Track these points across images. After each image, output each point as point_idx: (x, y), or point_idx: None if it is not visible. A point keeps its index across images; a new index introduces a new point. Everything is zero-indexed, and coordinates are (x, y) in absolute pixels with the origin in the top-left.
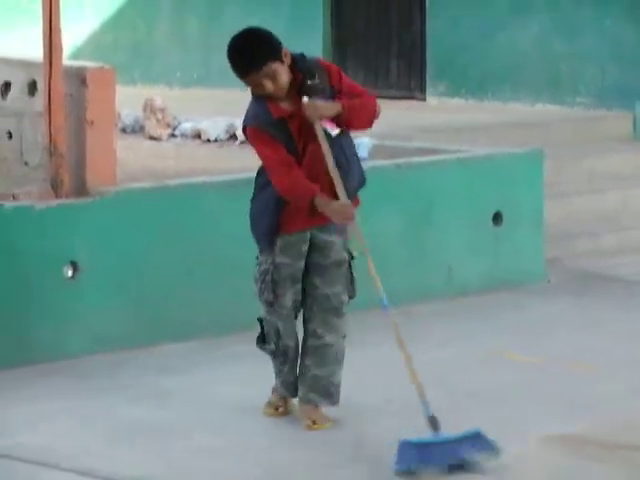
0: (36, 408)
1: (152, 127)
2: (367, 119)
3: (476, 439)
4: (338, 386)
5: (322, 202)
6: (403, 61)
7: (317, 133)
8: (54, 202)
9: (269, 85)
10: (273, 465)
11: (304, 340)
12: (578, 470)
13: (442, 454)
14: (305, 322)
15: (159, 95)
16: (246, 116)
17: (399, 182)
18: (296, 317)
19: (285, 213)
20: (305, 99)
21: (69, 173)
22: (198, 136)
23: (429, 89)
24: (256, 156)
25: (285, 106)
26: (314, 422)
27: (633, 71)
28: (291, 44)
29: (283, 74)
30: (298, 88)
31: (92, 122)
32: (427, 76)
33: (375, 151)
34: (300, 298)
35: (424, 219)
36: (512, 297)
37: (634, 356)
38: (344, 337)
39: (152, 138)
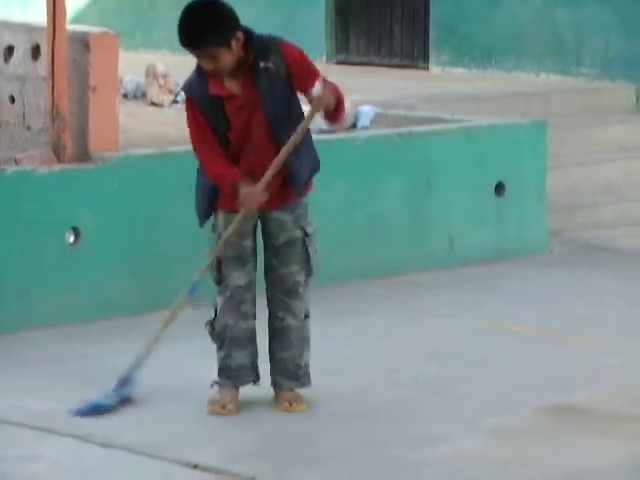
0: (37, 373)
1: (154, 93)
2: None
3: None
4: (306, 368)
5: (238, 188)
6: (406, 30)
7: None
8: (56, 167)
9: (208, 65)
10: (273, 434)
11: (268, 323)
12: (579, 442)
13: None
14: (267, 304)
15: (161, 61)
16: (185, 81)
17: (401, 151)
18: (248, 300)
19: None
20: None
21: (71, 138)
22: None
23: (432, 58)
24: None
25: (229, 85)
26: (290, 404)
27: (637, 42)
28: (293, 12)
29: (226, 58)
30: (250, 68)
31: (95, 87)
32: (430, 45)
33: (377, 120)
34: (253, 279)
35: (426, 189)
36: (514, 268)
37: (635, 327)
38: (307, 317)
39: (154, 104)
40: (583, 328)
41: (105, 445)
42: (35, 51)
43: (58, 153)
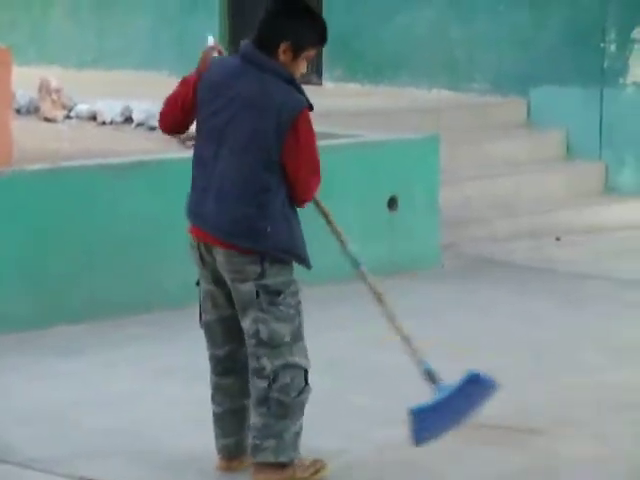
0: None
1: (47, 108)
2: None
3: (473, 384)
4: None
5: None
6: None
7: None
8: None
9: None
10: (168, 446)
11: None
12: (472, 453)
13: (451, 414)
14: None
15: (55, 76)
16: (304, 97)
17: None
18: None
19: None
20: None
21: None
22: (94, 118)
23: (325, 74)
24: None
25: None
26: None
27: (528, 58)
28: (186, 25)
29: None
30: None
31: None
32: (323, 60)
33: None
34: None
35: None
36: (406, 282)
37: (523, 340)
38: None
39: (47, 119)
40: (473, 341)
41: (1, 460)
42: None
43: None
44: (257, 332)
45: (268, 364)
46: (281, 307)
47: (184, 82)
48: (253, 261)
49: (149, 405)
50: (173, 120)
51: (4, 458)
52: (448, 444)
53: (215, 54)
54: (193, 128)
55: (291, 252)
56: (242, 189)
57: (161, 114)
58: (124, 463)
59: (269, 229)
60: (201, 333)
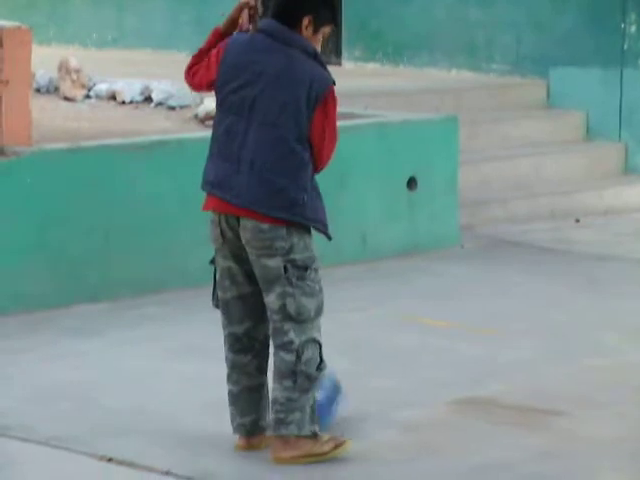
0: None
1: (67, 88)
2: None
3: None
4: None
5: None
6: None
7: None
8: None
9: None
10: (186, 426)
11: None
12: (490, 435)
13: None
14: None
15: (74, 55)
16: (329, 74)
17: None
18: None
19: None
20: None
21: None
22: (113, 97)
23: (345, 54)
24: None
25: None
26: None
27: (547, 39)
28: (207, 8)
29: None
30: None
31: (7, 82)
32: (343, 40)
33: None
34: None
35: (339, 184)
36: (426, 262)
37: (542, 321)
38: None
39: (67, 99)
40: (493, 322)
41: (22, 439)
42: None
43: None
44: (284, 306)
45: (295, 338)
46: (308, 282)
47: (215, 35)
48: (281, 236)
49: (167, 384)
50: (199, 89)
51: (24, 436)
52: (468, 425)
53: (246, 11)
54: (212, 106)
55: (321, 221)
56: (278, 162)
57: (187, 74)
58: (143, 441)
59: (305, 199)
60: (218, 313)
